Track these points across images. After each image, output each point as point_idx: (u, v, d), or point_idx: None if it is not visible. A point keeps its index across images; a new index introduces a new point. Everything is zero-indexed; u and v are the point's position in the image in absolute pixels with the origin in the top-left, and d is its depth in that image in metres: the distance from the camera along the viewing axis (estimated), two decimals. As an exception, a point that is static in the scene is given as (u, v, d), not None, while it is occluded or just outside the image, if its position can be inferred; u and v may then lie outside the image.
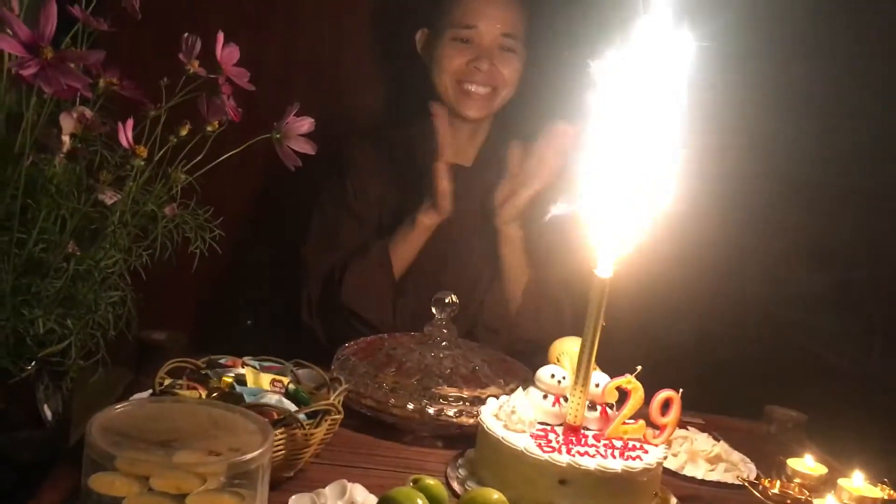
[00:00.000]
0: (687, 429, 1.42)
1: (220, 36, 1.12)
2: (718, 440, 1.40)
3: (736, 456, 1.36)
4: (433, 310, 1.43)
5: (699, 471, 1.31)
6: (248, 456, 0.86)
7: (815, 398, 1.62)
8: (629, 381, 1.19)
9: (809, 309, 1.87)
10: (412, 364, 1.37)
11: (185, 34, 1.15)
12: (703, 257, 1.84)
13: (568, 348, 1.37)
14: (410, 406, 1.30)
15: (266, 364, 1.24)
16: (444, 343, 1.41)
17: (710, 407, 1.55)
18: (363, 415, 1.34)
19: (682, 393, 1.20)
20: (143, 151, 1.06)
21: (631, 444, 1.17)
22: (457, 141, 1.80)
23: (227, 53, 1.11)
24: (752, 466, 1.35)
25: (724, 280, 1.90)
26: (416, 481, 0.98)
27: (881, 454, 1.30)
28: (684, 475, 1.30)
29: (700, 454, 1.33)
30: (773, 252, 1.92)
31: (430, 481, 0.97)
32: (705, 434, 1.41)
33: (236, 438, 0.89)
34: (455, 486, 1.18)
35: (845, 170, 1.91)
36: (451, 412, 1.31)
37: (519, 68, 1.79)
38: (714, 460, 1.33)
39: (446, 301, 1.42)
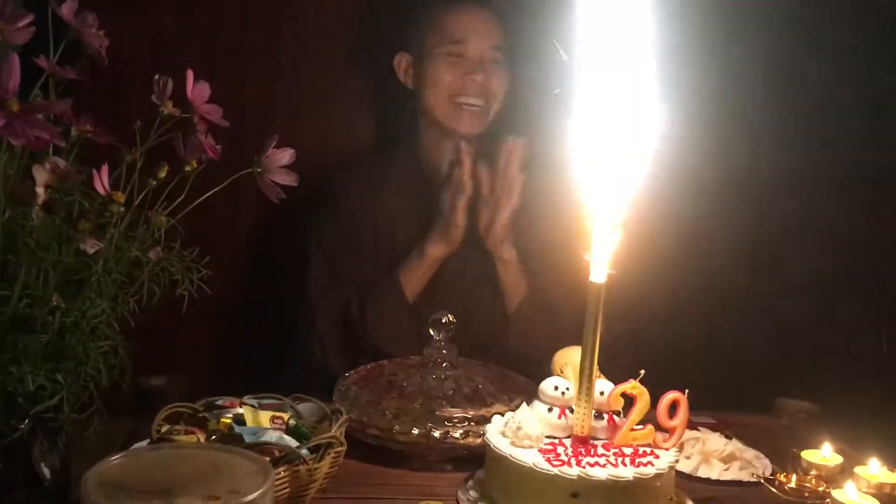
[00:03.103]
0: (698, 429, 1.40)
1: (190, 74, 1.11)
2: (731, 438, 1.38)
3: (750, 453, 1.34)
4: (430, 331, 1.41)
5: (713, 471, 1.29)
6: (249, 498, 0.84)
7: (826, 388, 1.60)
8: (634, 386, 1.16)
9: (815, 298, 1.85)
10: (414, 388, 1.34)
11: (156, 76, 1.14)
12: (702, 253, 1.83)
13: (571, 358, 1.35)
14: (415, 431, 1.28)
15: (265, 401, 1.22)
16: (444, 364, 1.39)
17: (719, 404, 1.54)
18: (369, 444, 1.31)
19: (689, 393, 1.17)
20: (120, 197, 1.05)
21: (641, 450, 1.15)
22: (446, 158, 1.79)
23: (197, 91, 1.10)
24: (767, 462, 1.32)
25: (724, 274, 1.88)
26: (423, 508, 0.95)
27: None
28: (699, 477, 1.28)
29: (713, 454, 1.31)
30: (776, 242, 1.91)
31: (439, 506, 0.95)
32: (717, 433, 1.39)
33: (236, 481, 0.87)
34: (466, 508, 1.16)
35: (847, 156, 1.90)
36: (457, 434, 1.28)
37: (506, 83, 1.80)
38: (728, 459, 1.31)
39: (443, 321, 1.40)
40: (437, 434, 1.28)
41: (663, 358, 1.51)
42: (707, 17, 1.84)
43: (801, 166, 1.88)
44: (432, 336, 1.41)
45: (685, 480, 1.26)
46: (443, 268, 1.75)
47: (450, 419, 1.29)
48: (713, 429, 1.42)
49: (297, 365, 1.79)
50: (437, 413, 1.30)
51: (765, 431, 1.49)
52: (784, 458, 1.31)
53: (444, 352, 1.40)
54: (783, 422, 1.55)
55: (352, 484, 1.22)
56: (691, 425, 1.40)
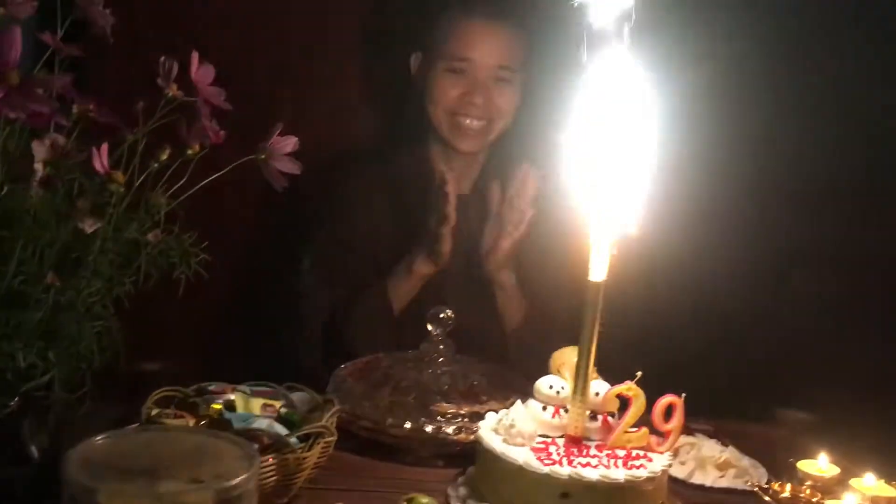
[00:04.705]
0: (694, 435, 1.39)
1: (195, 55, 1.10)
2: (727, 445, 1.36)
3: (746, 461, 1.33)
4: (428, 326, 1.40)
5: (708, 478, 1.27)
6: (233, 482, 0.83)
7: (827, 401, 1.58)
8: (630, 388, 1.15)
9: (817, 310, 1.84)
10: (409, 382, 1.34)
11: (162, 57, 1.14)
12: (705, 261, 1.81)
13: (569, 358, 1.33)
14: (408, 425, 1.27)
15: (258, 389, 1.21)
16: (441, 359, 1.39)
17: (718, 412, 1.52)
18: (362, 437, 1.30)
19: (685, 397, 1.16)
20: (119, 177, 1.04)
21: (635, 452, 1.13)
22: (453, 170, 1.77)
23: (201, 73, 1.09)
24: (763, 471, 1.31)
25: (728, 283, 1.87)
26: (410, 500, 0.95)
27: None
28: (693, 483, 1.27)
29: (708, 461, 1.30)
30: (779, 254, 1.90)
31: (424, 500, 0.94)
32: (713, 440, 1.37)
33: (221, 465, 0.86)
34: (456, 505, 1.14)
35: (846, 171, 1.88)
36: (449, 429, 1.28)
37: (516, 98, 1.75)
38: (723, 466, 1.30)
39: (441, 316, 1.39)
40: (429, 429, 1.27)
41: (663, 365, 1.50)
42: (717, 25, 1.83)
43: (805, 180, 1.87)
44: (430, 331, 1.40)
45: (679, 486, 1.25)
46: (433, 284, 1.71)
47: (443, 414, 1.28)
48: (710, 435, 1.40)
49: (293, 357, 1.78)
50: (431, 408, 1.29)
51: (763, 441, 1.47)
52: (782, 467, 1.30)
53: (442, 347, 1.39)
54: (782, 432, 1.53)
55: (342, 476, 1.22)
56: (688, 431, 1.38)
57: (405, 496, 0.96)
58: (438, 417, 1.28)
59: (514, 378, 1.42)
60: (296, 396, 1.25)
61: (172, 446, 0.90)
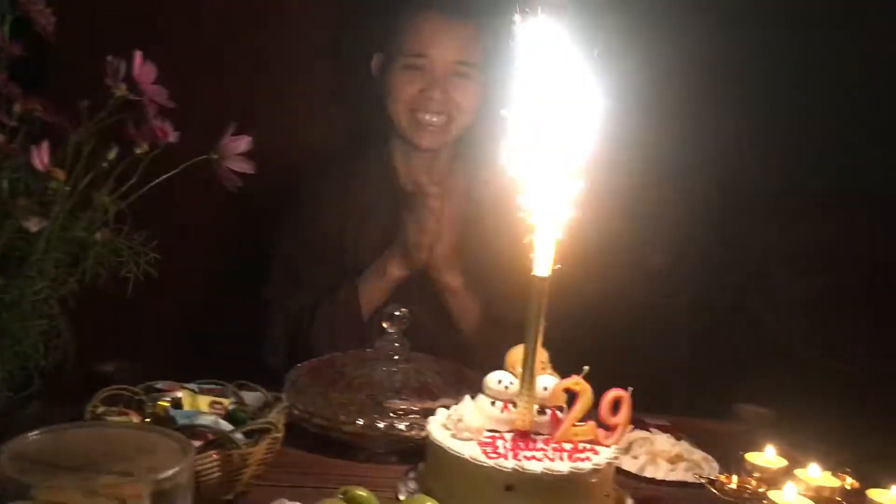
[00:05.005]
0: (649, 430, 1.39)
1: (138, 54, 1.10)
2: (680, 440, 1.37)
3: (698, 455, 1.33)
4: (384, 324, 1.40)
5: (659, 471, 1.28)
6: (165, 474, 0.83)
7: (786, 395, 1.59)
8: (577, 382, 1.15)
9: (778, 308, 1.85)
10: (362, 380, 1.34)
11: (109, 57, 1.14)
12: (664, 258, 1.83)
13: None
14: (360, 422, 1.27)
15: (206, 387, 1.21)
16: (395, 357, 1.39)
17: (680, 409, 1.53)
18: (316, 435, 1.30)
19: (632, 391, 1.16)
20: (59, 174, 1.05)
21: (581, 446, 1.14)
22: (414, 168, 1.78)
23: (143, 71, 1.10)
24: (715, 465, 1.32)
25: (687, 280, 1.88)
26: (345, 493, 0.95)
27: (850, 449, 1.28)
28: (644, 476, 1.27)
29: (660, 454, 1.30)
30: (737, 255, 1.91)
31: (361, 492, 0.94)
32: (667, 434, 1.38)
33: (155, 459, 0.86)
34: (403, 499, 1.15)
35: (810, 173, 1.90)
36: (401, 426, 1.28)
37: (476, 94, 1.74)
38: (675, 460, 1.30)
39: (396, 314, 1.39)
40: (381, 425, 1.27)
41: (623, 362, 1.51)
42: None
43: (768, 181, 1.88)
44: (385, 329, 1.40)
45: (630, 479, 1.26)
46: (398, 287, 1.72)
47: (395, 411, 1.28)
48: (666, 430, 1.41)
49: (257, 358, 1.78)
50: (384, 405, 1.29)
51: (721, 435, 1.48)
52: (734, 461, 1.31)
53: (397, 345, 1.39)
54: (740, 427, 1.54)
55: (293, 472, 1.22)
56: (644, 426, 1.39)
57: (340, 489, 0.96)
58: (391, 414, 1.28)
59: (468, 375, 1.42)
60: (248, 395, 1.25)
61: (107, 441, 0.90)
